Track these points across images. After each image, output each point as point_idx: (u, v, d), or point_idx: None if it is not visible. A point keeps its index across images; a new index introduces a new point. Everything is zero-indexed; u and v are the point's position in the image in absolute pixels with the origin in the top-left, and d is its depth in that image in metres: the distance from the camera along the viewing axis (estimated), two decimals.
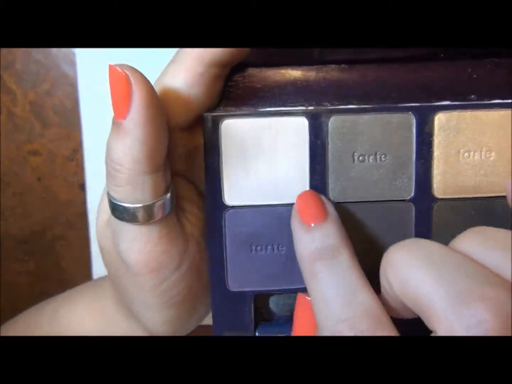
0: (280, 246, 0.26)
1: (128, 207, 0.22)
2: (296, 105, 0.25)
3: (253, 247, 0.26)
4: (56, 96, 0.49)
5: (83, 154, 0.49)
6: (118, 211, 0.23)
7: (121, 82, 0.20)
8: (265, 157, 0.25)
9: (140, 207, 0.22)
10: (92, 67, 0.46)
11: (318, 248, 0.22)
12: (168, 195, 0.23)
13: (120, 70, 0.20)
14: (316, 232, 0.22)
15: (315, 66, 0.25)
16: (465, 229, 0.23)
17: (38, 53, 0.48)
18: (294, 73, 0.26)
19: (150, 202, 0.23)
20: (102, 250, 0.26)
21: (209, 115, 0.25)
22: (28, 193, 0.51)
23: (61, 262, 0.54)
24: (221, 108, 0.26)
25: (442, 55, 0.25)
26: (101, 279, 0.33)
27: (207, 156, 0.25)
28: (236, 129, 0.25)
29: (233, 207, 0.25)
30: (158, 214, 0.23)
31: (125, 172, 0.22)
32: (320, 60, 0.25)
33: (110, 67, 0.20)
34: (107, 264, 0.27)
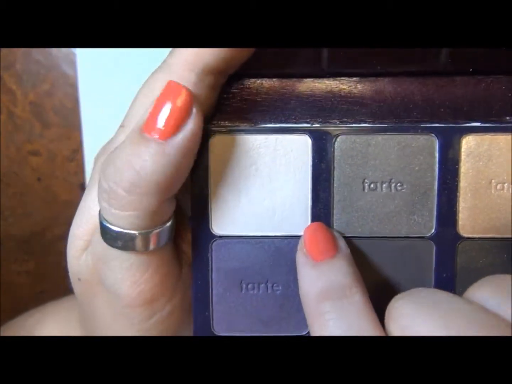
0: (275, 285, 0.22)
1: (125, 233, 0.20)
2: (299, 122, 0.22)
3: (244, 285, 0.22)
4: (56, 96, 0.47)
5: (83, 154, 0.48)
6: (111, 237, 0.20)
7: (183, 102, 0.19)
8: (261, 181, 0.22)
9: (139, 234, 0.20)
10: (92, 67, 0.45)
11: (327, 286, 0.19)
12: (170, 222, 0.21)
13: (185, 90, 0.19)
14: (325, 268, 0.20)
15: (323, 78, 0.22)
16: (494, 273, 0.20)
17: (38, 53, 0.47)
18: (299, 85, 0.22)
19: (150, 230, 0.20)
20: (75, 280, 0.24)
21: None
22: (28, 193, 0.51)
23: (61, 262, 0.54)
24: (214, 122, 0.22)
25: (471, 69, 0.21)
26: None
27: (193, 177, 0.21)
28: (228, 147, 0.21)
29: (221, 237, 0.22)
30: (158, 242, 0.21)
31: (135, 195, 0.19)
32: (329, 71, 0.22)
33: (172, 83, 0.19)
34: (81, 294, 0.24)
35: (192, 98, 0.19)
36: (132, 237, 0.20)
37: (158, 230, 0.20)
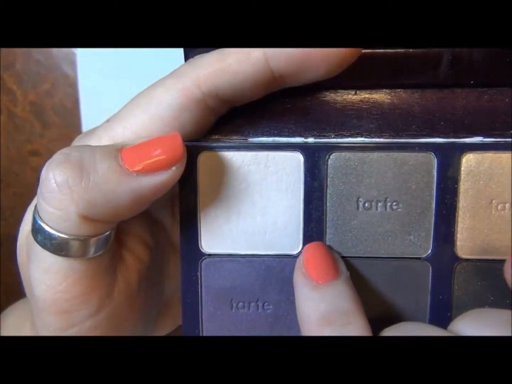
0: (266, 304, 0.21)
1: (55, 235, 0.19)
2: (293, 135, 0.21)
3: (234, 304, 0.21)
4: (56, 96, 0.47)
5: None
6: (40, 235, 0.19)
7: (172, 159, 0.19)
8: (252, 199, 0.21)
9: (70, 239, 0.19)
10: (92, 67, 0.45)
11: (330, 311, 0.19)
12: (108, 232, 0.20)
13: (181, 152, 0.19)
14: (327, 291, 0.19)
15: (319, 91, 0.21)
16: (493, 296, 0.20)
17: (38, 53, 0.47)
18: (294, 99, 0.21)
19: (84, 238, 0.19)
20: (20, 264, 0.23)
21: (185, 145, 0.20)
22: (28, 193, 0.50)
23: None
24: (204, 137, 0.21)
25: (472, 81, 0.20)
26: None
27: (182, 194, 0.21)
28: (217, 164, 0.21)
29: (211, 255, 0.21)
30: (89, 251, 0.19)
31: (82, 197, 0.18)
32: (325, 84, 0.21)
33: (177, 138, 0.19)
34: (23, 280, 0.23)
35: (182, 159, 0.19)
36: (61, 241, 0.19)
37: (95, 239, 0.19)
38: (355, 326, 0.18)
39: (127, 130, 0.20)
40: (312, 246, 0.20)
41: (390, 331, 0.18)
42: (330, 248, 0.21)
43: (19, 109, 0.48)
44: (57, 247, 0.19)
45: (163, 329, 0.26)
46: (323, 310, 0.19)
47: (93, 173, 0.18)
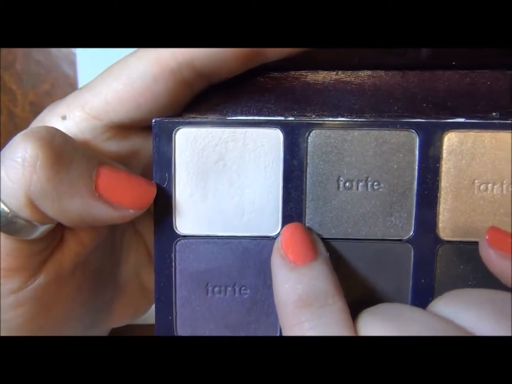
0: (242, 288, 0.21)
1: None
2: (273, 114, 0.20)
3: (209, 288, 0.21)
4: (56, 96, 0.46)
5: None
6: None
7: (142, 201, 0.20)
8: (229, 177, 0.20)
9: (7, 213, 0.18)
10: (92, 67, 0.45)
11: (308, 292, 0.18)
12: (47, 226, 0.19)
13: (150, 197, 0.20)
14: (305, 272, 0.18)
15: (300, 70, 0.21)
16: (475, 279, 0.20)
17: (38, 53, 0.47)
18: (276, 77, 0.21)
19: (22, 219, 0.18)
20: None
21: (161, 121, 0.20)
22: None
23: None
24: (180, 113, 0.21)
25: (454, 63, 0.20)
26: None
27: (156, 172, 0.20)
28: (194, 141, 0.20)
29: (185, 237, 0.20)
30: (21, 233, 0.18)
31: (39, 183, 0.18)
32: (306, 63, 0.20)
33: (149, 185, 0.20)
34: None
35: (145, 209, 0.20)
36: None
37: (28, 222, 0.18)
38: (333, 308, 0.18)
39: (97, 98, 0.19)
40: (291, 226, 0.20)
41: (369, 312, 0.18)
42: (309, 229, 0.20)
43: (19, 109, 0.47)
44: None
45: (122, 317, 0.25)
46: (301, 292, 0.18)
47: (64, 169, 0.18)
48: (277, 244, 0.19)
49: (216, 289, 0.21)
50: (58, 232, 0.20)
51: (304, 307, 0.18)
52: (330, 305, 0.18)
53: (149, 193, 0.20)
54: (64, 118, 0.20)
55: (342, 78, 0.21)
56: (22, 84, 0.47)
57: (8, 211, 0.18)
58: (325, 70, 0.21)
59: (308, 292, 0.18)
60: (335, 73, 0.21)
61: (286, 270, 0.19)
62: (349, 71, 0.21)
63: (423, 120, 0.19)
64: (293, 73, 0.21)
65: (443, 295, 0.18)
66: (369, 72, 0.21)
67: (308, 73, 0.21)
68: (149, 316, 0.24)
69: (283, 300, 0.18)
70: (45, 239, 0.20)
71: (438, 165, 0.19)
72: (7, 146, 0.18)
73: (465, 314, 0.17)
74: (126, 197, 0.19)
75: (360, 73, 0.21)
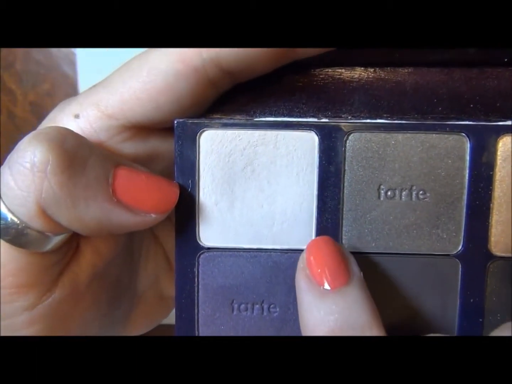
0: (271, 306, 0.19)
1: (4, 214, 0.17)
2: (305, 115, 0.19)
3: (235, 306, 0.19)
4: (56, 96, 0.47)
5: None
6: None
7: (164, 206, 0.18)
8: (258, 184, 0.18)
9: (18, 225, 0.17)
10: (92, 67, 0.45)
11: (339, 326, 0.16)
12: (61, 236, 0.18)
13: (173, 201, 0.18)
14: (337, 300, 0.16)
15: (334, 67, 0.19)
16: None
17: (38, 53, 0.47)
18: (307, 74, 0.19)
19: (34, 230, 0.17)
20: None
21: (184, 122, 0.18)
22: None
23: None
24: (205, 115, 0.19)
25: (506, 59, 0.18)
26: None
27: (179, 178, 0.18)
28: (220, 144, 0.18)
29: (210, 249, 0.19)
30: (34, 245, 0.17)
31: (51, 190, 0.16)
32: (341, 60, 0.19)
33: (173, 186, 0.18)
34: None
35: (168, 212, 0.18)
36: (8, 224, 0.17)
37: (41, 233, 0.17)
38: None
39: (113, 96, 0.18)
40: (317, 241, 0.17)
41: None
42: (339, 244, 0.18)
43: (19, 109, 0.47)
44: (3, 228, 0.16)
45: (140, 326, 0.23)
46: (333, 325, 0.16)
47: (77, 172, 0.16)
48: (302, 261, 0.17)
49: (242, 306, 0.19)
50: (73, 242, 0.19)
51: None
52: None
53: (171, 195, 0.18)
54: (77, 116, 0.18)
55: (380, 76, 0.19)
56: (22, 84, 0.47)
57: (18, 222, 0.16)
58: (362, 67, 0.19)
59: (341, 325, 0.16)
60: (373, 70, 0.19)
61: (314, 295, 0.16)
62: (388, 68, 0.19)
63: (475, 123, 0.18)
64: (327, 70, 0.19)
65: (500, 328, 0.16)
66: (410, 69, 0.19)
67: (343, 70, 0.19)
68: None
69: (311, 331, 0.16)
70: (60, 251, 0.18)
71: (491, 172, 0.18)
72: (14, 150, 0.17)
73: None
74: (147, 200, 0.18)
75: (400, 70, 0.19)
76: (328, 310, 0.16)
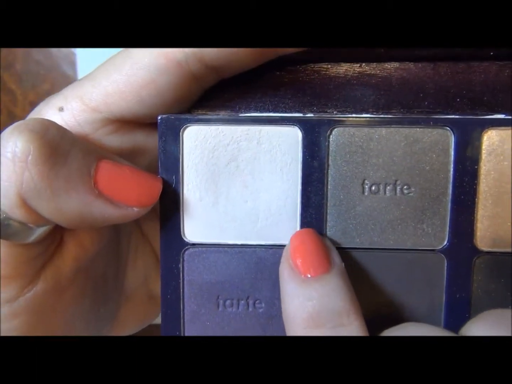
0: (257, 301, 0.19)
1: None
2: (291, 111, 0.19)
3: (220, 301, 0.19)
4: None
5: None
6: None
7: (149, 196, 0.18)
8: (242, 180, 0.18)
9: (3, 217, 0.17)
10: (92, 67, 0.44)
11: (319, 310, 0.16)
12: (44, 228, 0.18)
13: (156, 193, 0.18)
14: (316, 286, 0.16)
15: (321, 63, 0.19)
16: None
17: (38, 53, 0.47)
18: (293, 71, 0.19)
19: (15, 221, 0.17)
20: None
21: (167, 118, 0.18)
22: None
23: None
24: (189, 111, 0.19)
25: (492, 53, 0.18)
26: None
27: (162, 173, 0.18)
28: (204, 139, 0.18)
29: (195, 245, 0.19)
30: (16, 236, 0.17)
31: (32, 180, 0.16)
32: (326, 55, 0.18)
33: (156, 181, 0.18)
34: None
35: (150, 207, 0.18)
36: None
37: (22, 225, 0.17)
38: (348, 329, 0.16)
39: (97, 89, 0.18)
40: (301, 233, 0.18)
41: (391, 333, 0.16)
42: (322, 236, 0.18)
43: (19, 109, 0.47)
44: None
45: (128, 326, 0.23)
46: (311, 310, 0.16)
47: (59, 163, 0.16)
48: (286, 252, 0.18)
49: (228, 302, 0.19)
50: (57, 235, 0.19)
51: (314, 327, 0.16)
52: (344, 325, 0.16)
53: (154, 189, 0.18)
54: (61, 109, 0.18)
55: (366, 71, 0.19)
56: (22, 84, 0.47)
57: (0, 212, 0.16)
58: (348, 62, 0.19)
59: (319, 310, 0.16)
60: (358, 65, 0.19)
61: (295, 283, 0.17)
62: (374, 63, 0.19)
63: (459, 117, 0.17)
64: (312, 66, 0.19)
65: (478, 316, 0.16)
66: (396, 64, 0.19)
67: (329, 66, 0.19)
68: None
69: (292, 318, 0.16)
70: (43, 243, 0.18)
71: (476, 166, 0.17)
72: None
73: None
74: (129, 193, 0.18)
75: (386, 65, 0.19)
76: (308, 296, 0.16)
